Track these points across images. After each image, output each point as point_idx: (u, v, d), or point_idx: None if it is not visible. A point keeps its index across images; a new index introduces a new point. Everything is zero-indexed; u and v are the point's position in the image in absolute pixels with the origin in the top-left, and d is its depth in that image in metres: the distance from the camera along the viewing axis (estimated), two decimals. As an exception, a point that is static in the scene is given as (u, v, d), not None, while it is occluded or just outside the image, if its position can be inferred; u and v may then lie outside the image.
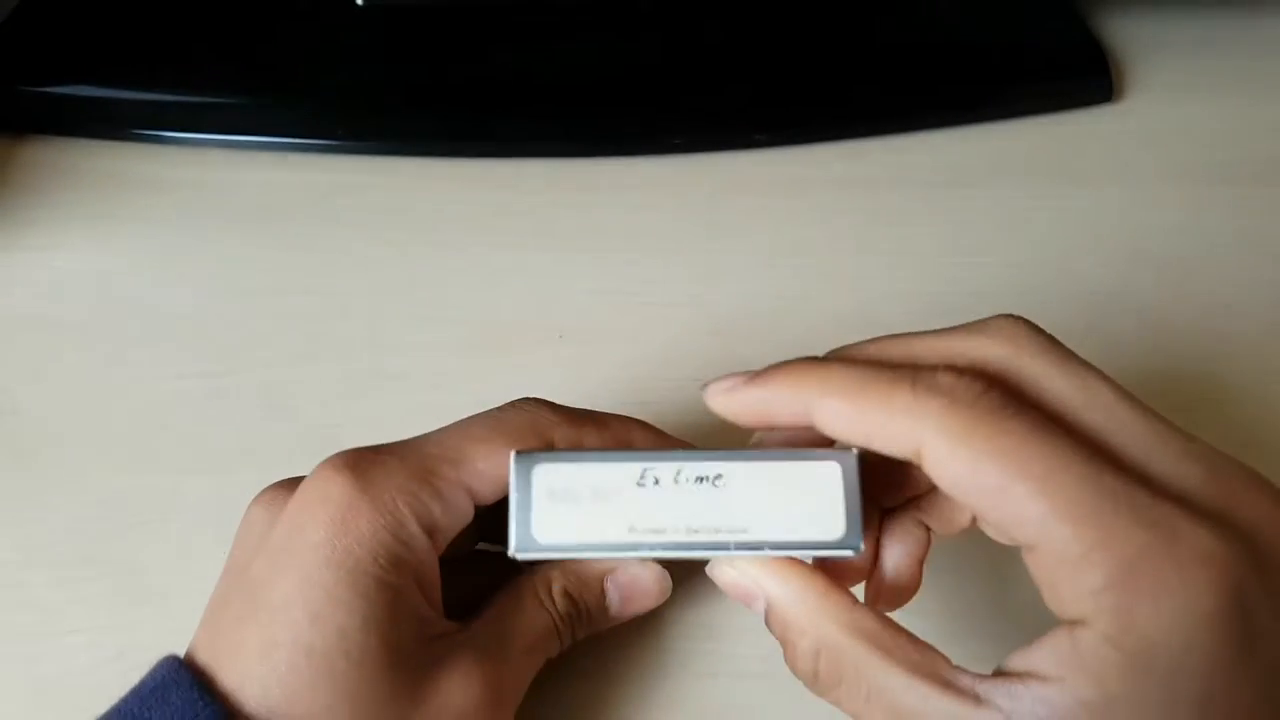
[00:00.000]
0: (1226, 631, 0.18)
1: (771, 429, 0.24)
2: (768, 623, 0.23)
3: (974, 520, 0.24)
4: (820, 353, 0.24)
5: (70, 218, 0.40)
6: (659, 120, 0.43)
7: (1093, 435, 0.20)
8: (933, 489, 0.25)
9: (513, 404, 0.26)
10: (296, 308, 0.37)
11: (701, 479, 0.23)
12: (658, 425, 0.27)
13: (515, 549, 0.23)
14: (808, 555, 0.23)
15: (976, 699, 0.20)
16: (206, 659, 0.23)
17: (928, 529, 0.25)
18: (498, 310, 0.37)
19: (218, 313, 0.37)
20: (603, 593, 0.26)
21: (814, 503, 0.23)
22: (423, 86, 0.43)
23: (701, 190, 0.41)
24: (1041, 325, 0.23)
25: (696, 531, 0.23)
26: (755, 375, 0.23)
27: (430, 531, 0.23)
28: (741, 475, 0.23)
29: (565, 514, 0.23)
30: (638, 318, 0.37)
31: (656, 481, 0.23)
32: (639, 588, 0.26)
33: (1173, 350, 0.35)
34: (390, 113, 0.43)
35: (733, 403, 0.23)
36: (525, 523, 0.23)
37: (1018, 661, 0.20)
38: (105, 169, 0.41)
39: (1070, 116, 0.44)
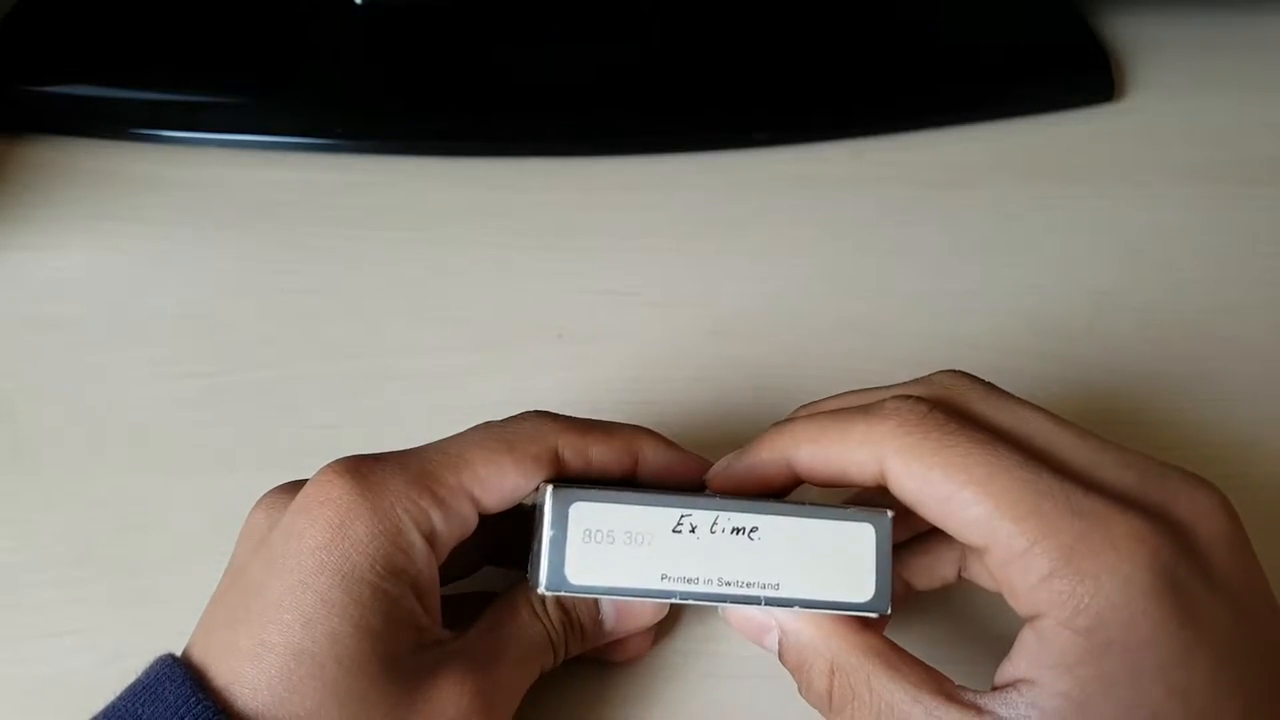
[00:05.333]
0: (1168, 601, 0.20)
1: (769, 489, 0.25)
2: (781, 655, 0.24)
3: (957, 575, 0.26)
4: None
5: (69, 217, 0.40)
6: (659, 120, 0.43)
7: (1033, 450, 0.22)
8: (910, 541, 0.27)
9: (518, 415, 0.25)
10: (296, 308, 0.37)
11: (738, 530, 0.23)
12: (659, 426, 0.27)
13: (545, 587, 0.23)
14: (835, 613, 0.23)
15: (979, 710, 0.21)
16: (201, 657, 0.23)
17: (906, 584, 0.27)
18: (498, 310, 0.37)
19: (218, 313, 0.37)
20: (596, 607, 0.26)
21: (846, 562, 0.23)
22: (423, 86, 0.43)
23: (701, 190, 0.41)
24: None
25: (728, 584, 0.23)
26: (740, 451, 0.25)
27: (430, 539, 0.23)
28: (777, 530, 0.23)
29: (599, 555, 0.23)
30: (638, 318, 0.37)
31: (693, 530, 0.23)
32: (634, 606, 0.26)
33: (1173, 350, 0.35)
34: (390, 112, 0.43)
35: (730, 480, 0.25)
36: (558, 561, 0.23)
37: (1004, 672, 0.22)
38: (104, 168, 0.41)
39: (1070, 116, 0.44)
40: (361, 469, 0.23)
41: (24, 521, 0.31)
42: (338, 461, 0.24)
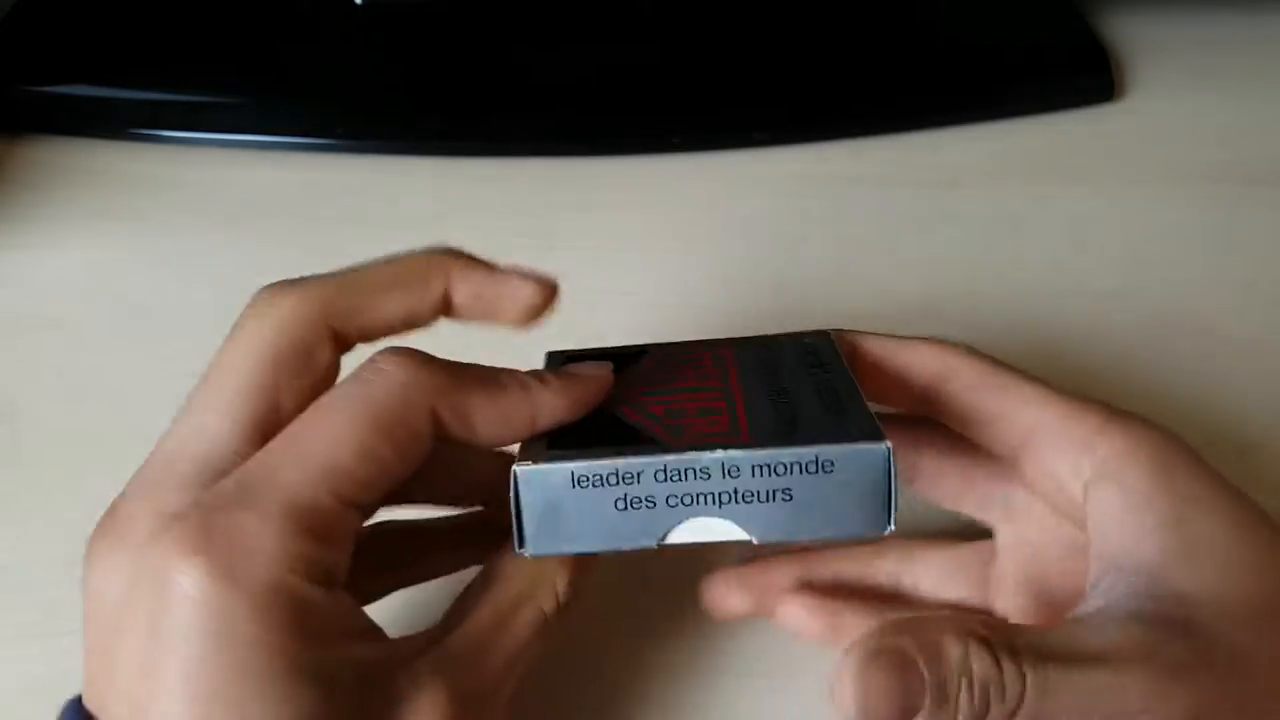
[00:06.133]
0: (1191, 451, 0.23)
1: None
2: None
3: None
4: None
5: (68, 217, 0.40)
6: (659, 120, 0.43)
7: None
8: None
9: (373, 366, 0.21)
10: (296, 308, 0.37)
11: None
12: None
13: (531, 549, 0.21)
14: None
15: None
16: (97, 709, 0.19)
17: None
18: (498, 310, 0.37)
19: (216, 312, 0.37)
20: (594, 566, 0.23)
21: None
22: (423, 86, 0.43)
23: (701, 190, 0.41)
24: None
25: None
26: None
27: (328, 579, 0.19)
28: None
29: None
30: (638, 318, 0.36)
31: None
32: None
33: (1173, 350, 0.35)
34: (390, 113, 0.43)
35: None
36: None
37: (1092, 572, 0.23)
38: (104, 168, 0.41)
39: (1071, 116, 0.44)
40: (211, 548, 0.18)
41: (24, 521, 0.31)
42: (166, 537, 0.19)
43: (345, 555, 0.20)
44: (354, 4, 0.42)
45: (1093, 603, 0.22)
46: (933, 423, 0.27)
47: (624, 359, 0.26)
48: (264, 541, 0.18)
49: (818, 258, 0.39)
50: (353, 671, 0.19)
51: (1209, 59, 0.46)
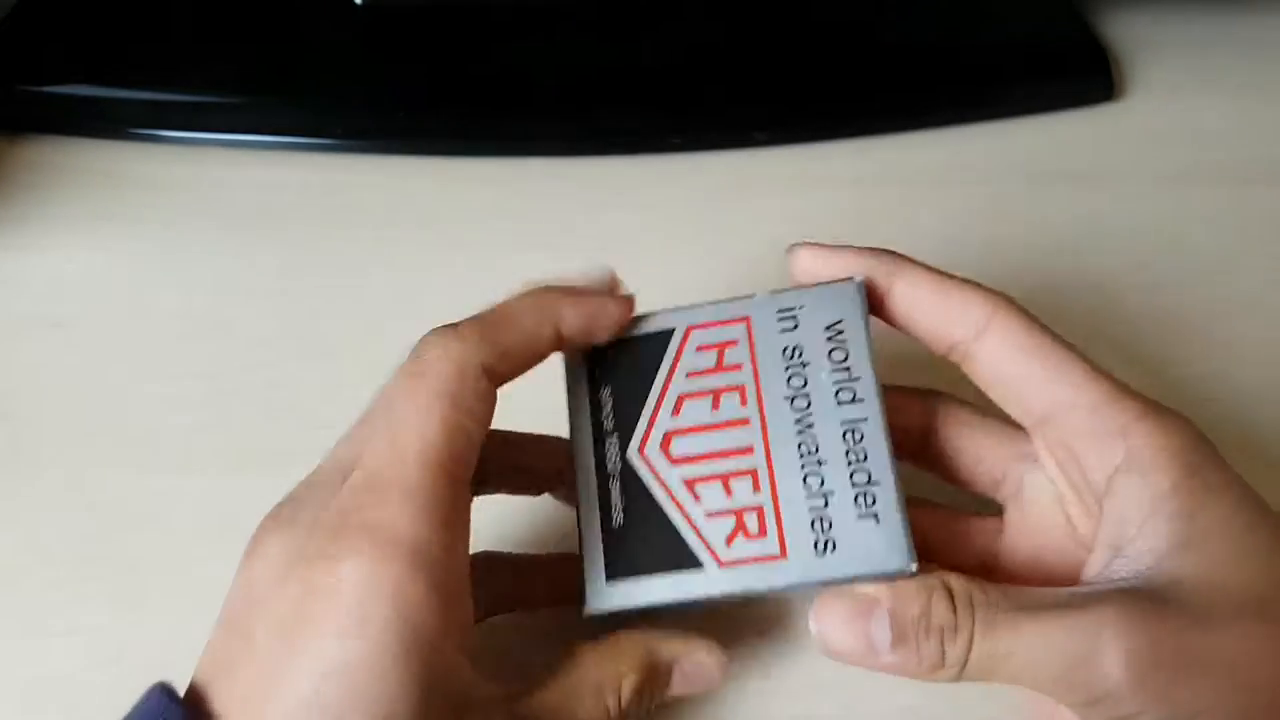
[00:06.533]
0: (1213, 448, 0.24)
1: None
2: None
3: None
4: None
5: (69, 217, 0.40)
6: (659, 120, 0.43)
7: None
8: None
9: (419, 358, 0.23)
10: (296, 307, 0.37)
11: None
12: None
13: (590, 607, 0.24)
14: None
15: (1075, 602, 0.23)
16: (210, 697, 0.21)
17: None
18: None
19: (218, 313, 0.37)
20: (669, 682, 0.25)
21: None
22: (423, 86, 0.43)
23: (701, 190, 0.41)
24: (1042, 325, 0.25)
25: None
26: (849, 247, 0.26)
27: (452, 579, 0.21)
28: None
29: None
30: (638, 317, 0.37)
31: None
32: (703, 674, 0.25)
33: (1173, 350, 0.35)
34: (390, 113, 0.43)
35: (821, 252, 0.26)
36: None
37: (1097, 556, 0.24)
38: (104, 169, 0.41)
39: (1070, 116, 0.44)
40: (350, 533, 0.21)
41: (24, 521, 0.31)
42: (318, 523, 0.21)
43: (465, 542, 0.22)
44: (354, 4, 0.42)
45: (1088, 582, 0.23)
46: (949, 397, 0.27)
47: (651, 344, 0.26)
48: (400, 531, 0.20)
49: (818, 258, 0.39)
50: (453, 686, 0.21)
51: (1209, 59, 0.46)
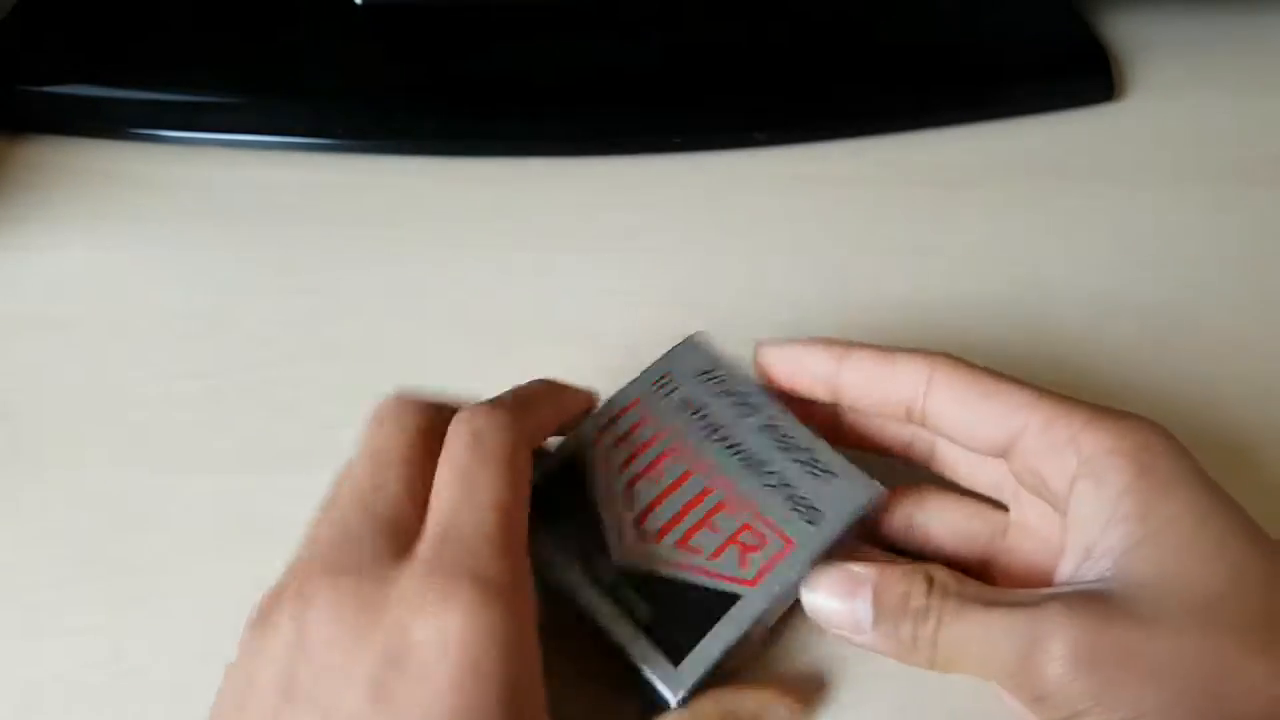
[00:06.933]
0: (1182, 450, 0.24)
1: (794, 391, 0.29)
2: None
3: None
4: None
5: (69, 217, 0.40)
6: (659, 120, 0.43)
7: None
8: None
9: (473, 431, 0.24)
10: (296, 308, 0.37)
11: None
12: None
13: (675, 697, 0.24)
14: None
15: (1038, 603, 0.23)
16: None
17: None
18: (498, 310, 0.37)
19: (218, 313, 0.37)
20: None
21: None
22: (423, 86, 0.43)
23: (701, 190, 0.41)
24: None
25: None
26: (797, 341, 0.28)
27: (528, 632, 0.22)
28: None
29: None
30: (638, 318, 0.37)
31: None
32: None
33: (1173, 351, 0.35)
34: (390, 113, 0.43)
35: (779, 357, 0.28)
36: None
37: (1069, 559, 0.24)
38: (104, 169, 0.41)
39: (1071, 116, 0.44)
40: (457, 587, 0.21)
41: (24, 521, 0.31)
42: (408, 586, 0.21)
43: (533, 593, 0.22)
44: (354, 4, 0.42)
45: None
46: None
47: (567, 469, 0.28)
48: (496, 577, 0.21)
49: (817, 258, 0.39)
50: None
51: (1209, 59, 0.46)
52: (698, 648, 0.25)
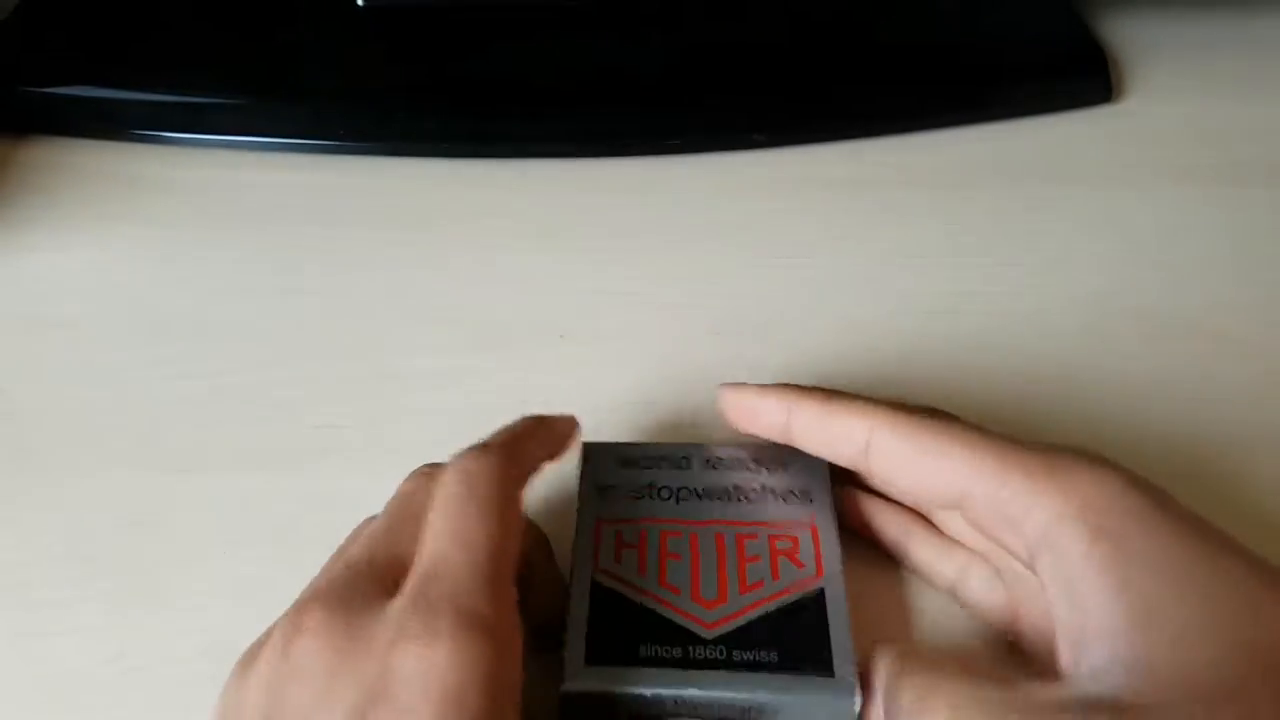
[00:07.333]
0: (1143, 493, 0.22)
1: (760, 428, 0.28)
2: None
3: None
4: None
5: (70, 218, 0.40)
6: (659, 120, 0.43)
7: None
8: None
9: (463, 472, 0.24)
10: (296, 308, 0.37)
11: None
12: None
13: None
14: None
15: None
16: None
17: None
18: (498, 310, 0.37)
19: (218, 313, 0.37)
20: None
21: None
22: (423, 86, 0.43)
23: (701, 190, 0.41)
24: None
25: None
26: (751, 387, 0.28)
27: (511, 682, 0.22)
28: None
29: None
30: (638, 318, 0.37)
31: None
32: None
33: (1172, 350, 0.35)
34: (390, 113, 0.43)
35: (735, 403, 0.28)
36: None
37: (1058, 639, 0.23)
38: (106, 169, 0.42)
39: (1070, 116, 0.44)
40: (443, 623, 0.21)
41: (24, 521, 0.31)
42: (402, 628, 0.21)
43: (520, 629, 0.22)
44: (355, 4, 0.42)
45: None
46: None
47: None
48: (484, 614, 0.21)
49: (817, 259, 0.39)
50: None
51: (1207, 61, 0.46)
52: (834, 647, 0.25)
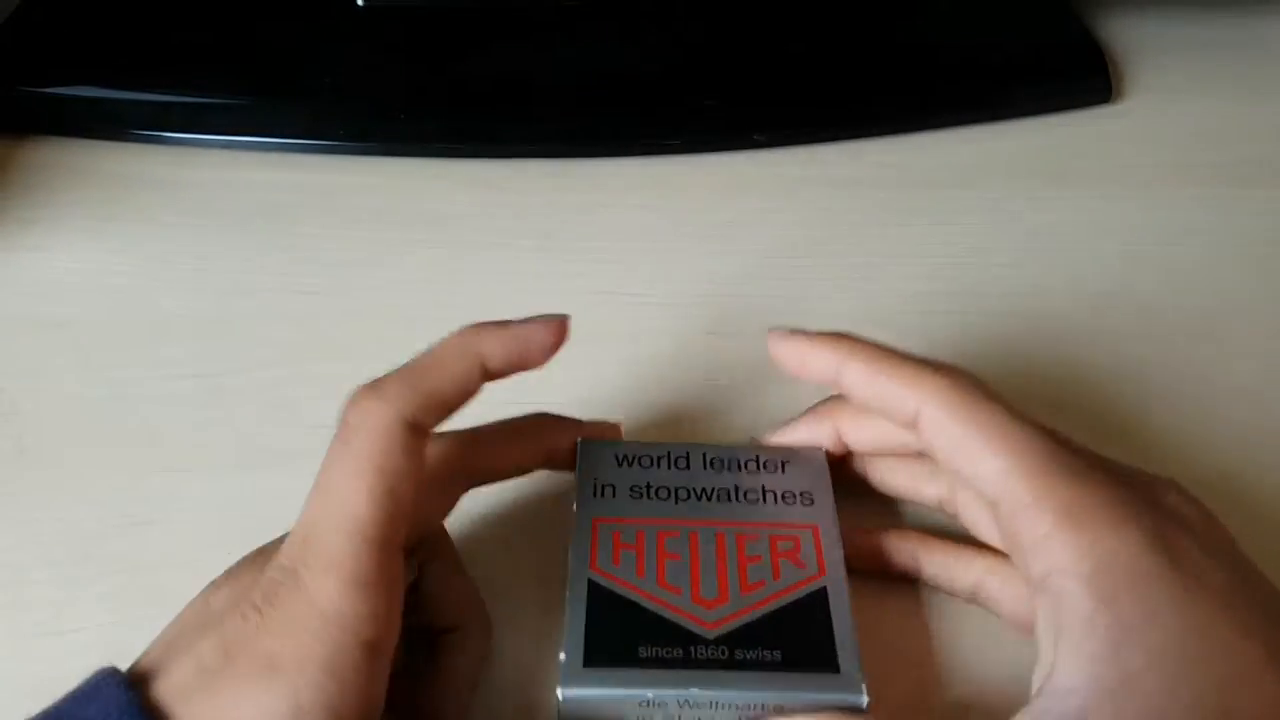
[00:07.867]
0: (1162, 554, 0.22)
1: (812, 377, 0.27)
2: None
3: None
4: None
5: (71, 218, 0.40)
6: (659, 120, 0.43)
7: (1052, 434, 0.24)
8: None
9: (347, 425, 0.24)
10: (296, 308, 0.37)
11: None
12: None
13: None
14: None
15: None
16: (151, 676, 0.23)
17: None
18: (498, 310, 0.37)
19: (218, 313, 0.37)
20: None
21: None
22: (423, 86, 0.43)
23: (701, 190, 0.41)
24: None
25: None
26: (805, 334, 0.27)
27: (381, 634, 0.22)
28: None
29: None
30: (638, 318, 0.37)
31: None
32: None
33: (1172, 351, 0.35)
34: (390, 113, 0.43)
35: (786, 343, 0.27)
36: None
37: (1038, 670, 0.22)
38: (106, 169, 0.42)
39: (1070, 117, 0.44)
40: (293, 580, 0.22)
41: (24, 521, 0.31)
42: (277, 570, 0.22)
43: (396, 606, 0.22)
44: (355, 4, 0.42)
45: None
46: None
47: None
48: (326, 604, 0.22)
49: (817, 259, 0.39)
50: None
51: (1206, 62, 0.46)
52: (838, 645, 0.24)
